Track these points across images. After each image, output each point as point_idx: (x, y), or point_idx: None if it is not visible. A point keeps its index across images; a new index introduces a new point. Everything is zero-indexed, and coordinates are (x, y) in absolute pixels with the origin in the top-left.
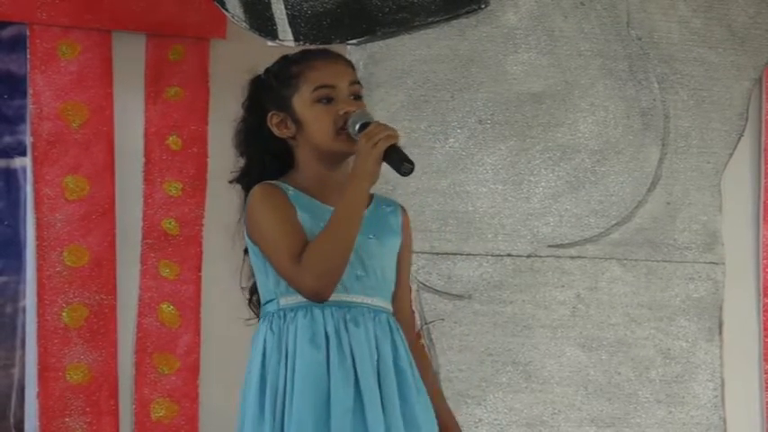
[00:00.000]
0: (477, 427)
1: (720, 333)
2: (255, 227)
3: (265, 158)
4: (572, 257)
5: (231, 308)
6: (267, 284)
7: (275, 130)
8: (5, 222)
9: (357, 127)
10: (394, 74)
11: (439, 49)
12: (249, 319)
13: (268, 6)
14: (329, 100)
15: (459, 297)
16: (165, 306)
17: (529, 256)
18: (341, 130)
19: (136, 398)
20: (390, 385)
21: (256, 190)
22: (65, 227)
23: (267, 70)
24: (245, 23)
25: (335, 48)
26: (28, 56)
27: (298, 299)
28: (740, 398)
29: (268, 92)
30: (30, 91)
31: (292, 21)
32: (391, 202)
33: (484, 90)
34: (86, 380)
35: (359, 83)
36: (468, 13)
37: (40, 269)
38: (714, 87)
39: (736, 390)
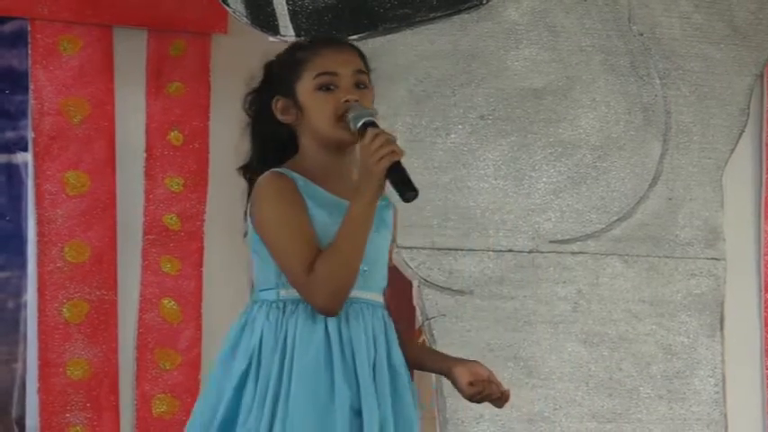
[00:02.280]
0: (478, 423)
1: (722, 329)
2: (263, 221)
3: (267, 144)
4: (573, 253)
5: (232, 303)
6: (266, 273)
7: (279, 115)
8: (7, 218)
9: (359, 124)
10: (395, 69)
11: (440, 45)
12: None
13: (269, 1)
14: (330, 87)
15: (461, 293)
16: (166, 301)
17: (530, 252)
18: (341, 118)
19: (137, 393)
20: (383, 381)
21: (265, 179)
22: (66, 222)
23: (276, 56)
24: (246, 19)
25: None
26: (29, 51)
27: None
28: (741, 394)
29: (275, 77)
30: (31, 86)
31: (293, 16)
32: (384, 197)
33: (485, 86)
34: (87, 375)
35: (365, 72)
36: (469, 8)
37: (40, 265)
38: (716, 83)
39: (738, 386)
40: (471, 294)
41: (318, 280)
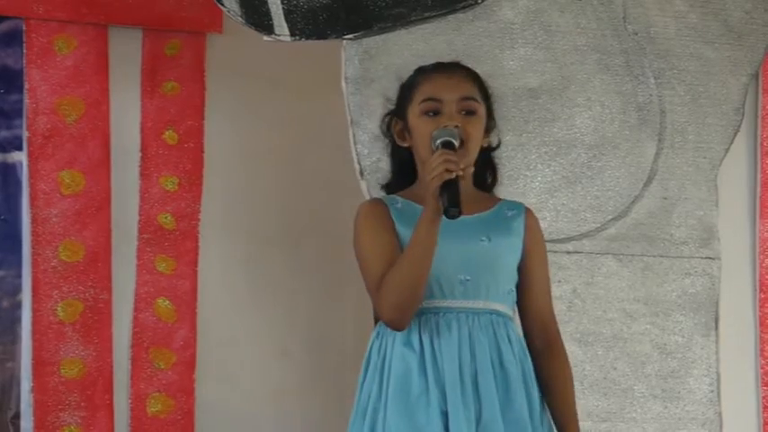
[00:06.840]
0: None
1: (716, 328)
2: (355, 243)
3: (394, 165)
4: (568, 252)
5: (227, 303)
6: None
7: (396, 138)
8: (2, 217)
9: (436, 144)
10: (390, 69)
11: (435, 44)
12: None
13: (264, 1)
14: (435, 113)
15: None
16: (161, 301)
17: None
18: None
19: (132, 393)
20: (488, 384)
21: (361, 207)
22: (60, 222)
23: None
24: (240, 18)
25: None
26: (24, 50)
27: None
28: (736, 393)
29: (397, 99)
30: (26, 86)
31: (288, 15)
32: (515, 206)
33: None
34: (81, 375)
35: (474, 99)
36: (464, 8)
37: (35, 264)
38: (710, 83)
39: (732, 385)
40: None
41: (382, 295)
